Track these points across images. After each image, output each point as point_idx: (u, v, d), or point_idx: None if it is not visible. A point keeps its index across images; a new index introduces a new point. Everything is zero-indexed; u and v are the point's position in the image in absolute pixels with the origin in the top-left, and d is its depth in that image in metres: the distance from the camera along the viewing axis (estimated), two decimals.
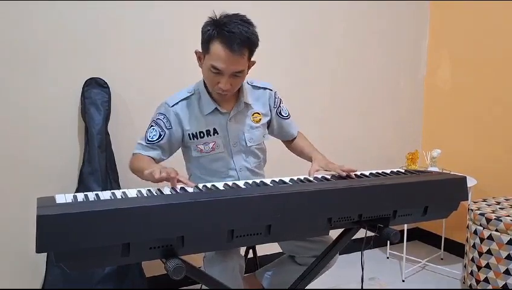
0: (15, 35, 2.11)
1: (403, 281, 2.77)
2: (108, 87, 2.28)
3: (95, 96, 2.25)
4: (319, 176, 1.61)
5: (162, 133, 1.74)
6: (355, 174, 1.64)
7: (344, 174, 1.62)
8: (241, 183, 1.49)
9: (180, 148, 1.86)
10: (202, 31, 1.64)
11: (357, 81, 3.10)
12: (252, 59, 1.70)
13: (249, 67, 1.70)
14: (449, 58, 3.18)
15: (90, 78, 2.26)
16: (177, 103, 1.77)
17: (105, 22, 2.29)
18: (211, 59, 1.61)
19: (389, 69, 3.22)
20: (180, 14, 2.45)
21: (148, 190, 1.36)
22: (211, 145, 1.78)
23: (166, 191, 1.37)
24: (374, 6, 3.07)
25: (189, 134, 1.77)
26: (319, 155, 1.85)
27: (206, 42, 1.62)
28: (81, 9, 2.23)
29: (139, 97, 2.39)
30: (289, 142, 2.07)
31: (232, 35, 1.56)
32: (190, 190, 1.40)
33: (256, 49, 1.68)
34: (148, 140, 1.74)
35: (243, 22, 1.60)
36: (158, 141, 1.74)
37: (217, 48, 1.58)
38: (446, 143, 3.13)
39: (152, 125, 1.76)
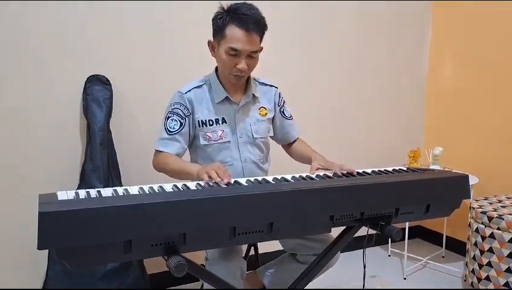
0: (17, 33, 2.11)
1: (405, 279, 2.77)
2: (110, 84, 2.28)
3: (97, 93, 2.25)
4: (321, 174, 1.61)
5: (182, 121, 1.77)
6: (357, 172, 1.64)
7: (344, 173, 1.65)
8: (243, 180, 1.49)
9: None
10: (214, 21, 1.71)
11: (359, 80, 3.09)
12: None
13: (259, 51, 1.76)
14: (451, 56, 3.17)
15: (92, 75, 2.25)
16: (190, 90, 1.81)
17: (107, 19, 2.29)
18: (227, 42, 1.66)
19: (391, 67, 3.21)
20: (183, 11, 2.44)
21: (150, 187, 1.36)
22: (219, 133, 1.80)
23: (168, 188, 1.37)
24: (377, 6, 3.06)
25: (199, 121, 1.80)
26: (319, 156, 1.86)
27: (220, 28, 1.68)
28: (83, 7, 2.22)
29: (141, 94, 2.39)
30: (289, 145, 2.08)
31: (245, 17, 1.65)
32: (192, 187, 1.40)
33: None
34: (169, 131, 1.76)
35: (252, 7, 1.70)
36: (180, 130, 1.76)
37: (232, 30, 1.65)
38: (448, 141, 3.13)
39: (169, 116, 1.78)
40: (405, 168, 1.75)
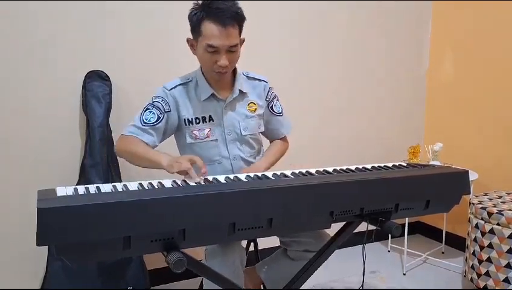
0: (17, 29, 2.10)
1: (404, 274, 2.77)
2: (109, 80, 2.28)
3: (96, 89, 2.25)
4: (321, 169, 1.60)
5: (160, 115, 1.71)
6: (356, 168, 1.64)
7: None
8: (242, 176, 1.49)
9: (173, 137, 1.85)
10: (190, 18, 1.67)
11: (359, 76, 3.09)
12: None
13: (240, 44, 1.72)
14: (451, 52, 3.16)
15: (92, 71, 2.25)
16: (175, 87, 1.77)
17: (106, 14, 2.28)
18: (204, 39, 1.62)
19: (391, 63, 3.21)
20: (183, 7, 2.43)
21: (149, 182, 1.36)
22: (206, 131, 1.77)
23: (168, 184, 1.37)
24: (377, 4, 3.05)
25: (185, 119, 1.76)
26: (258, 163, 1.82)
27: (196, 25, 1.64)
28: (83, 3, 2.21)
29: (141, 90, 2.37)
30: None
31: (220, 11, 1.60)
32: (192, 183, 1.39)
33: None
34: (144, 122, 1.69)
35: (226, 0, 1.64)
36: (156, 124, 1.70)
37: (208, 26, 1.61)
38: (448, 137, 3.12)
39: (148, 108, 1.72)
40: (405, 164, 1.75)
